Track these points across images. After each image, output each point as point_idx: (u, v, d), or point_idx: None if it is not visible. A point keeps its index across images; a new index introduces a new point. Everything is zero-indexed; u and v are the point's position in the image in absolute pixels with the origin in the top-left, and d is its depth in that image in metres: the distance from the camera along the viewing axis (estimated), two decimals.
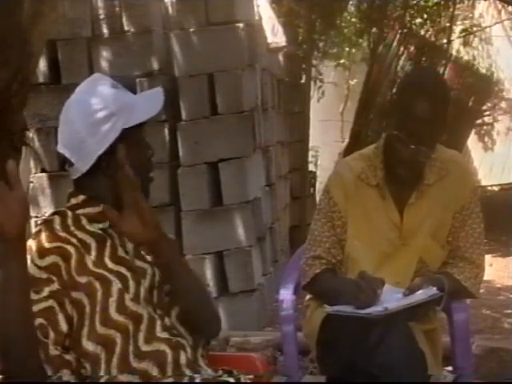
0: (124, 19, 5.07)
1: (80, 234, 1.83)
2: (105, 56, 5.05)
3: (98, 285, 1.78)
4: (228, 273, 5.01)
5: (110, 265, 1.82)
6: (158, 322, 1.83)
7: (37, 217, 5.05)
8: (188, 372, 1.81)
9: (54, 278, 1.75)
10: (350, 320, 2.18)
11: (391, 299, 2.22)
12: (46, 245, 1.78)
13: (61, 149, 1.86)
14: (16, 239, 1.60)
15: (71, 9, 4.97)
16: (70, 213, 1.86)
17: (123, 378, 1.75)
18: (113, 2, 5.08)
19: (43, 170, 5.09)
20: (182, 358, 1.82)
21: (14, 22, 2.87)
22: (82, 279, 1.77)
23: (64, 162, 1.92)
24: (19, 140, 3.09)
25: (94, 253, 1.81)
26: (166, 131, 5.06)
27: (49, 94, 5.04)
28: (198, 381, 1.78)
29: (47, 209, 5.00)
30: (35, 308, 1.70)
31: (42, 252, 1.77)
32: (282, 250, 6.47)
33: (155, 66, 5.05)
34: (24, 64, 2.97)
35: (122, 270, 1.83)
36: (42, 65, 4.95)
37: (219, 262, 5.04)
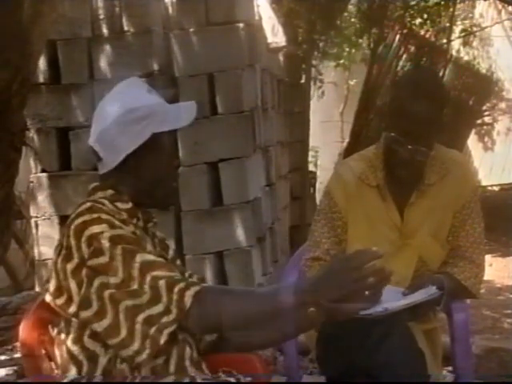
0: (124, 19, 5.07)
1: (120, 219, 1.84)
2: (105, 56, 5.05)
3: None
4: (228, 273, 5.01)
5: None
6: None
7: (37, 217, 5.05)
8: (190, 369, 1.81)
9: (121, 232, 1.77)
10: (349, 320, 2.18)
11: (391, 299, 2.22)
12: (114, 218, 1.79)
13: (92, 143, 1.90)
14: None
15: (71, 9, 4.97)
16: (106, 201, 1.86)
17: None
18: (113, 1, 5.08)
19: (43, 170, 5.09)
20: (187, 353, 1.82)
21: (14, 21, 2.88)
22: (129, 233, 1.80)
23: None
24: (19, 140, 3.09)
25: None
26: None
27: (49, 94, 5.04)
28: (198, 381, 1.79)
29: (47, 209, 5.00)
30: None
31: (116, 223, 1.78)
32: (281, 250, 6.46)
33: (155, 66, 5.04)
34: (24, 64, 2.97)
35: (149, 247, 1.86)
36: (42, 65, 4.94)
37: (219, 261, 5.03)
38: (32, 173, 5.09)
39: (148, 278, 1.70)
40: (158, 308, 1.68)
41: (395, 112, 2.36)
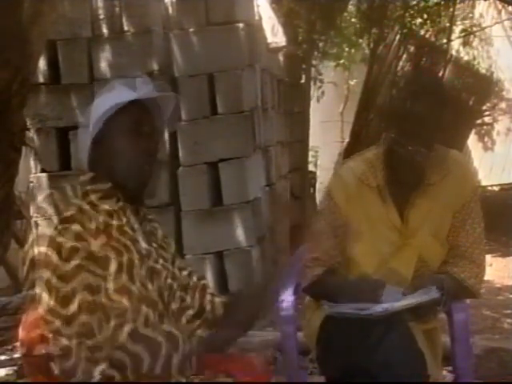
0: (124, 19, 5.07)
1: (88, 208, 1.85)
2: (105, 56, 5.05)
3: (111, 254, 1.80)
4: (228, 273, 5.01)
5: (118, 237, 1.85)
6: (155, 312, 1.84)
7: (37, 217, 5.05)
8: (189, 369, 1.82)
9: (79, 246, 1.77)
10: (349, 320, 2.18)
11: (391, 299, 2.22)
12: (66, 213, 1.80)
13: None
14: None
15: (71, 9, 4.97)
16: (79, 187, 1.90)
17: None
18: (113, 1, 5.08)
19: (43, 170, 5.09)
20: (177, 355, 1.82)
21: (14, 21, 2.88)
22: (97, 248, 1.80)
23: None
24: (19, 140, 3.09)
25: (101, 227, 1.83)
26: (166, 131, 5.05)
27: (49, 94, 5.05)
28: (197, 381, 1.79)
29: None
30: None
31: (64, 221, 1.79)
32: (281, 250, 6.46)
33: (155, 66, 5.05)
34: (24, 64, 2.97)
35: (129, 244, 1.85)
36: (42, 65, 4.95)
37: (219, 262, 5.03)
38: (32, 173, 5.09)
39: (85, 305, 1.72)
40: (97, 339, 1.72)
41: (398, 114, 2.36)
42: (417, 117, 2.30)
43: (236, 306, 2.01)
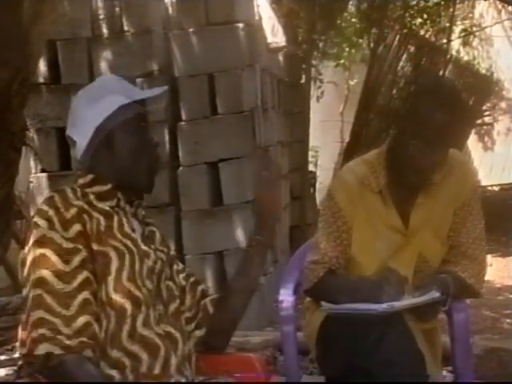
0: (124, 19, 5.07)
1: (89, 209, 1.84)
2: (105, 56, 5.05)
3: (112, 254, 1.80)
4: (228, 273, 5.01)
5: (119, 237, 1.84)
6: (154, 312, 1.84)
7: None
8: (188, 370, 1.81)
9: (81, 247, 1.77)
10: (349, 320, 2.18)
11: (391, 299, 2.22)
12: (66, 214, 1.80)
13: (67, 131, 1.93)
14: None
15: (71, 9, 4.98)
16: (78, 189, 1.88)
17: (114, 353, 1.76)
18: (113, 2, 5.08)
19: (43, 170, 5.09)
20: (176, 355, 1.82)
21: (14, 22, 2.87)
22: (98, 248, 1.79)
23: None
24: (19, 140, 3.09)
25: (102, 228, 1.83)
26: (166, 131, 5.06)
27: (49, 94, 5.05)
28: (196, 381, 1.79)
29: None
30: (72, 300, 1.72)
31: (65, 223, 1.79)
32: (281, 250, 6.46)
33: (155, 66, 5.05)
34: (24, 64, 2.97)
35: (129, 244, 1.85)
36: (42, 65, 4.95)
37: (219, 261, 5.03)
38: (32, 173, 5.09)
39: (85, 305, 1.73)
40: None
41: (418, 121, 2.33)
42: (421, 117, 2.29)
43: (227, 297, 2.01)
